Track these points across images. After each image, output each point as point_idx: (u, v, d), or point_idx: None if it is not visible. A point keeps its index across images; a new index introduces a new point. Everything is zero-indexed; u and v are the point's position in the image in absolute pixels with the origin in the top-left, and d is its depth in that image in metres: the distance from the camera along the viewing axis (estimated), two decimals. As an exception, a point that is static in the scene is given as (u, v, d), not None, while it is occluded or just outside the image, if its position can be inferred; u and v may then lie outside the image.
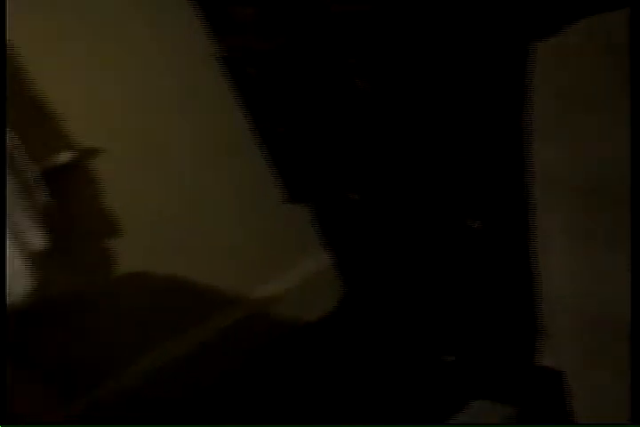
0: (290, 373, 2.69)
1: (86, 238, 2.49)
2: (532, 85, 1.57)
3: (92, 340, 2.53)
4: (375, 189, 2.25)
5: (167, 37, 2.51)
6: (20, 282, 2.21)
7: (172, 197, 2.63)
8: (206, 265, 2.72)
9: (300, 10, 2.06)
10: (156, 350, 2.66)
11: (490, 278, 2.11)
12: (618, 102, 1.47)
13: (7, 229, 2.16)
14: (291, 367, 2.71)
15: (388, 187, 2.20)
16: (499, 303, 2.12)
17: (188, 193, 2.66)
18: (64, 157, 2.37)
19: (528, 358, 1.84)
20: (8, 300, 2.23)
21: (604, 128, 1.49)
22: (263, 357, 2.78)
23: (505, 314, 2.09)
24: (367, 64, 1.97)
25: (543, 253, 1.68)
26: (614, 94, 1.48)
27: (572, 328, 1.66)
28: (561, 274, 1.65)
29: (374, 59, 1.95)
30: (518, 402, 2.03)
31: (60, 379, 2.49)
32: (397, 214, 2.24)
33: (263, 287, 2.84)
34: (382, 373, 2.51)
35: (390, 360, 2.54)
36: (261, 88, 2.36)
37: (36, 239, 2.22)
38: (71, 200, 2.43)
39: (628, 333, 1.51)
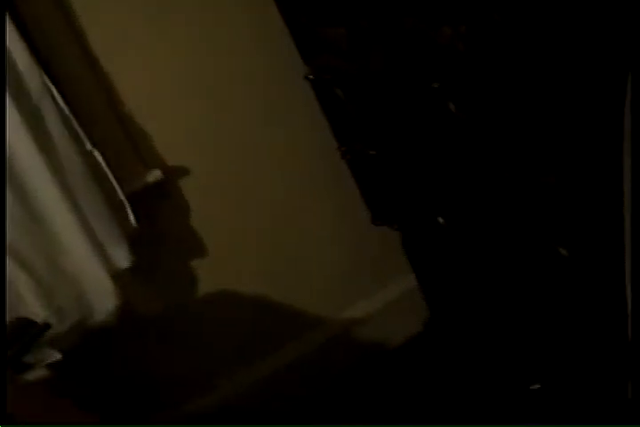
0: (374, 396, 2.66)
1: (172, 258, 2.51)
2: (626, 114, 1.53)
3: (175, 361, 2.54)
4: (463, 214, 2.22)
5: (257, 57, 2.51)
6: (106, 300, 2.24)
7: (261, 216, 2.63)
8: (293, 286, 2.72)
9: (393, 32, 2.04)
10: (241, 372, 2.66)
11: (580, 308, 2.05)
12: None
13: (95, 248, 2.19)
14: (376, 391, 2.68)
15: (475, 211, 2.16)
16: (590, 332, 2.06)
17: (276, 212, 2.66)
18: (153, 175, 2.38)
19: (620, 390, 1.77)
20: (95, 318, 2.26)
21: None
22: (349, 380, 2.76)
23: (597, 343, 2.02)
24: (455, 89, 1.94)
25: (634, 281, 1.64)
26: None
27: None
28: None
29: (463, 84, 1.91)
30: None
31: (141, 397, 2.51)
32: (484, 239, 2.20)
33: (349, 309, 2.82)
34: (466, 399, 2.47)
35: (474, 387, 2.49)
36: (350, 110, 2.34)
37: (121, 257, 2.24)
38: (158, 219, 2.45)
39: None
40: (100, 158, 2.20)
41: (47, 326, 1.89)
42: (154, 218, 2.43)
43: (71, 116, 2.17)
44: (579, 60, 1.67)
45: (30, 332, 1.82)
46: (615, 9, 1.60)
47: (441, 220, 2.27)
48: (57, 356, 2.10)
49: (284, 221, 2.68)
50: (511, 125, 1.89)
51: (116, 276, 2.25)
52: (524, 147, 1.89)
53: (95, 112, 2.30)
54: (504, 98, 1.86)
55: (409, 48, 2.02)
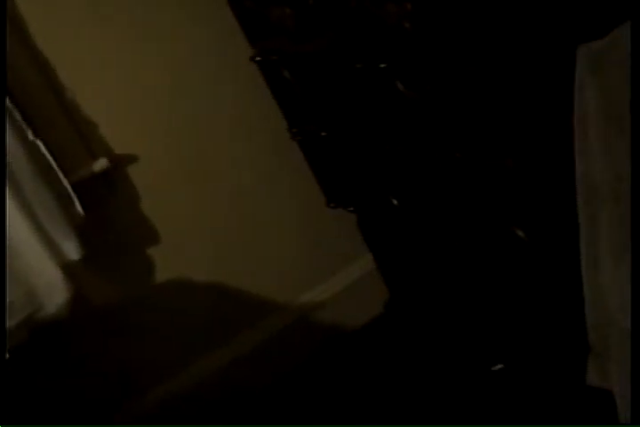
0: (337, 379, 2.64)
1: (125, 247, 2.46)
2: (575, 90, 1.50)
3: (133, 351, 2.50)
4: (416, 195, 2.19)
5: (202, 41, 2.46)
6: (56, 293, 2.19)
7: (212, 203, 2.59)
8: (249, 272, 2.68)
9: (339, 10, 1.99)
10: (201, 359, 2.63)
11: (538, 288, 2.04)
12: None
13: (42, 241, 2.14)
14: (338, 374, 2.67)
15: (429, 192, 2.14)
16: (547, 314, 2.05)
17: (228, 197, 2.62)
18: (100, 164, 2.33)
19: (577, 376, 1.76)
20: (46, 311, 2.21)
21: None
22: (311, 364, 2.74)
23: (553, 326, 2.01)
24: (403, 68, 1.90)
25: (590, 265, 1.62)
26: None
27: (620, 345, 1.61)
28: (610, 287, 1.59)
29: (412, 64, 1.88)
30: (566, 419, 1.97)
31: (102, 390, 2.47)
32: (439, 220, 2.18)
33: (308, 293, 2.79)
34: (428, 380, 2.47)
35: (437, 367, 2.49)
36: (299, 91, 2.30)
37: (71, 250, 2.19)
38: (108, 208, 2.40)
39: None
40: (43, 149, 2.14)
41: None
42: (103, 207, 2.38)
43: (11, 106, 2.10)
44: (527, 38, 1.64)
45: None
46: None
47: (395, 201, 2.24)
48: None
49: (237, 206, 2.64)
50: (463, 105, 1.85)
51: (67, 268, 2.20)
52: (478, 127, 1.86)
53: (38, 101, 2.24)
54: (454, 77, 1.83)
55: (355, 27, 1.98)
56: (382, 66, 1.94)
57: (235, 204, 2.63)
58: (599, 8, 1.57)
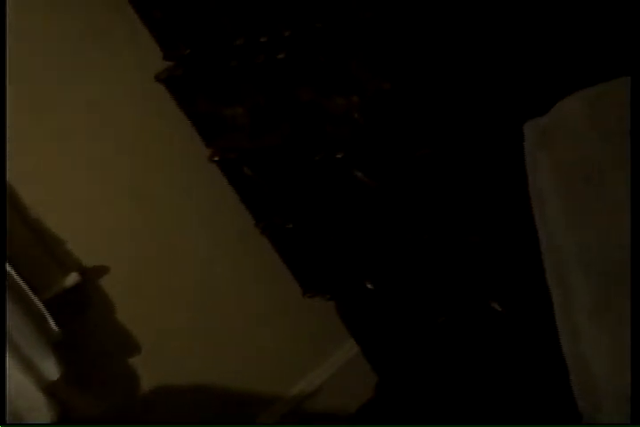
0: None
1: (104, 358, 2.43)
2: (527, 166, 1.53)
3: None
4: (390, 277, 2.19)
5: (160, 143, 2.48)
6: (40, 415, 2.16)
7: (189, 306, 2.57)
8: (235, 370, 2.65)
9: (290, 106, 2.03)
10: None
11: (520, 358, 2.04)
12: (614, 174, 1.44)
13: (20, 364, 2.11)
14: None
15: (402, 273, 2.14)
16: (535, 385, 2.04)
17: (205, 300, 2.60)
18: (71, 279, 2.32)
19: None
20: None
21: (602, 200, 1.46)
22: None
23: (542, 396, 2.00)
24: (360, 157, 1.93)
25: (568, 333, 1.63)
26: (608, 166, 1.44)
27: (612, 412, 1.60)
28: (593, 353, 1.59)
29: (368, 152, 1.91)
30: None
31: None
32: (414, 299, 2.18)
33: (298, 385, 2.77)
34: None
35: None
36: (261, 186, 2.32)
37: (50, 369, 2.16)
38: (84, 322, 2.38)
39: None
40: (12, 272, 2.13)
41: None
42: (79, 320, 2.36)
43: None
44: (475, 118, 1.67)
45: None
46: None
47: (369, 285, 2.24)
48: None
49: (216, 308, 2.62)
50: (422, 188, 1.88)
51: (49, 387, 2.17)
52: (440, 208, 1.88)
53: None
54: (409, 161, 1.86)
55: (309, 120, 2.01)
56: (339, 156, 1.96)
57: (211, 305, 2.61)
58: (540, 85, 1.61)
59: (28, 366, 2.13)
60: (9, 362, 2.10)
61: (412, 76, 1.70)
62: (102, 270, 2.38)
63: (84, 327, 2.37)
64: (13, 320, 2.12)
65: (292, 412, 2.75)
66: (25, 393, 2.13)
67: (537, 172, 1.53)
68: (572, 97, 1.48)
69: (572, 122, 1.49)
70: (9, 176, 2.21)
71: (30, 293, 2.16)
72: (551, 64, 1.76)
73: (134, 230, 2.46)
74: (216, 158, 2.32)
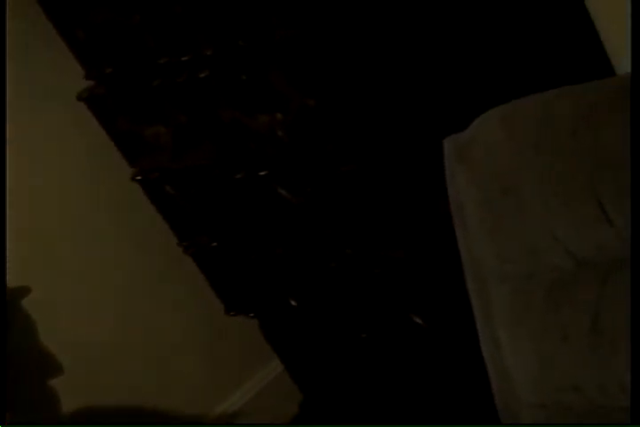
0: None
1: (28, 381, 2.39)
2: (447, 181, 1.57)
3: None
4: (314, 293, 2.21)
5: (83, 162, 2.47)
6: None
7: (111, 328, 2.55)
8: (159, 392, 2.63)
9: (213, 124, 2.05)
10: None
11: (443, 371, 2.07)
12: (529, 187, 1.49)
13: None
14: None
15: (327, 289, 2.17)
16: (458, 395, 2.08)
17: (128, 320, 2.59)
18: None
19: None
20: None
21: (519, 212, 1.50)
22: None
23: (465, 409, 2.04)
24: (283, 174, 1.95)
25: (490, 345, 1.66)
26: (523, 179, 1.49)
27: (533, 420, 1.64)
28: (514, 366, 1.63)
29: (291, 169, 1.93)
30: None
31: None
32: (338, 314, 2.21)
33: (222, 404, 2.76)
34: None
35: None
36: (184, 205, 2.32)
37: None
38: (5, 344, 2.34)
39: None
40: None
41: None
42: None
43: None
44: (396, 135, 1.71)
45: None
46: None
47: (293, 302, 2.26)
48: None
49: (138, 328, 2.60)
50: (346, 204, 1.91)
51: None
52: (365, 223, 1.91)
53: None
54: (333, 178, 1.89)
55: (231, 139, 2.03)
56: (262, 173, 1.98)
57: (134, 327, 2.60)
58: (459, 101, 1.66)
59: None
60: None
61: (335, 93, 1.73)
62: (24, 291, 2.36)
63: (5, 349, 2.34)
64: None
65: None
66: None
67: (456, 185, 1.57)
68: (489, 113, 1.54)
69: (489, 136, 1.54)
70: None
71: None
72: (469, 82, 1.81)
73: (57, 250, 2.45)
74: (138, 178, 2.32)
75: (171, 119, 2.13)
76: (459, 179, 1.57)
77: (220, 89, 1.96)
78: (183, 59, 1.97)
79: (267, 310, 2.44)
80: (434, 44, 1.79)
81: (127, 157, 2.32)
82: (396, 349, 2.13)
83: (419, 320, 1.93)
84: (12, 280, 2.34)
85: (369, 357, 2.25)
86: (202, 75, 1.95)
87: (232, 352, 2.77)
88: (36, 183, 2.41)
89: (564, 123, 1.44)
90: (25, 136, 2.37)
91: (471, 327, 1.65)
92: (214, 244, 2.34)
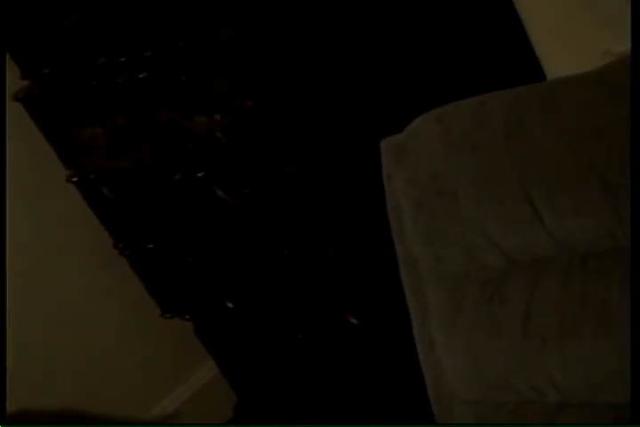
0: None
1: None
2: (384, 181, 1.60)
3: None
4: (251, 295, 2.23)
5: (18, 163, 2.44)
6: None
7: (44, 328, 2.53)
8: (92, 393, 2.61)
9: (149, 126, 2.05)
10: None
11: (379, 369, 2.10)
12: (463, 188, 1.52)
13: None
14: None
15: (263, 290, 2.18)
16: (393, 394, 2.11)
17: (60, 321, 2.56)
18: None
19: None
20: None
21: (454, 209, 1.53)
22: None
23: (400, 404, 2.07)
24: (221, 175, 1.96)
25: (424, 342, 1.69)
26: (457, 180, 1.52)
27: (464, 416, 1.67)
28: (446, 360, 1.66)
29: (229, 170, 1.94)
30: None
31: None
32: (275, 316, 2.22)
33: (156, 407, 2.75)
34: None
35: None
36: (120, 206, 2.32)
37: None
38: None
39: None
40: None
41: None
42: None
43: None
44: (334, 136, 1.73)
45: None
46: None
47: (230, 304, 2.27)
48: None
49: (71, 330, 2.58)
50: (283, 205, 1.93)
51: None
52: (302, 224, 1.93)
53: None
54: (270, 179, 1.90)
55: (168, 140, 2.04)
56: (200, 175, 1.99)
57: (67, 327, 2.58)
58: (397, 103, 1.69)
59: None
60: None
61: (273, 95, 1.75)
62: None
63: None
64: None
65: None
66: None
67: (393, 186, 1.60)
68: (426, 115, 1.57)
69: (425, 138, 1.57)
70: None
71: None
72: (406, 84, 1.85)
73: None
74: (74, 179, 2.31)
75: (108, 120, 2.13)
76: (395, 180, 1.59)
77: (159, 90, 1.96)
78: (122, 59, 1.97)
79: (202, 312, 2.44)
80: (372, 46, 1.82)
81: (62, 159, 2.30)
82: (331, 349, 2.15)
83: (354, 321, 1.95)
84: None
85: (304, 358, 2.26)
86: (140, 75, 1.95)
87: (167, 354, 2.76)
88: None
89: (498, 124, 1.48)
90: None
91: (406, 327, 1.68)
92: (150, 245, 2.33)
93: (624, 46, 1.49)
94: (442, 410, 1.74)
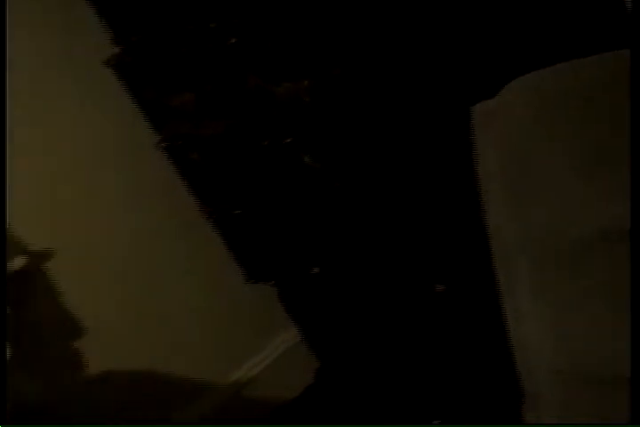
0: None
1: (50, 343, 2.43)
2: (476, 148, 1.58)
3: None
4: (337, 262, 2.23)
5: (110, 131, 2.49)
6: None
7: (133, 290, 2.58)
8: (176, 357, 2.66)
9: (237, 92, 2.06)
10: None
11: (464, 340, 2.09)
12: (552, 159, 1.50)
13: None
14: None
15: (349, 257, 2.18)
16: (477, 364, 2.10)
17: (149, 284, 2.62)
18: (18, 262, 2.32)
19: (513, 417, 1.80)
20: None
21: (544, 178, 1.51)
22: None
23: (485, 374, 2.06)
24: (308, 141, 1.97)
25: (512, 314, 1.68)
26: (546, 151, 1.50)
27: (550, 385, 1.66)
28: (535, 335, 1.65)
29: (316, 136, 1.94)
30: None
31: None
32: (361, 283, 2.23)
33: (237, 371, 2.79)
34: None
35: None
36: (208, 171, 2.34)
37: None
38: (31, 306, 2.38)
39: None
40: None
41: None
42: (26, 303, 2.36)
43: None
44: (425, 103, 1.72)
45: None
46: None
47: (316, 269, 2.28)
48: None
49: (158, 292, 2.63)
50: (373, 171, 1.92)
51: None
52: (391, 190, 1.92)
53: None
54: (357, 145, 1.90)
55: (256, 106, 2.04)
56: (287, 141, 2.00)
57: (154, 290, 2.63)
58: (487, 68, 1.66)
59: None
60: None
61: (361, 61, 1.74)
62: (48, 254, 2.39)
63: (30, 311, 2.37)
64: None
65: (230, 399, 2.77)
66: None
67: (483, 154, 1.58)
68: (518, 80, 1.54)
69: (516, 105, 1.55)
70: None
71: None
72: (501, 48, 1.82)
73: (80, 214, 2.47)
74: (164, 145, 2.34)
75: (197, 87, 2.15)
76: (485, 147, 1.58)
77: (248, 56, 1.97)
78: (211, 26, 1.98)
79: (287, 278, 2.46)
80: (460, 8, 1.79)
81: (153, 124, 2.33)
82: (417, 317, 2.15)
83: (441, 289, 1.94)
84: (36, 243, 2.38)
85: (389, 325, 2.26)
86: (230, 42, 1.96)
87: (249, 320, 2.80)
88: (64, 151, 2.45)
89: (592, 92, 1.45)
90: (52, 102, 2.40)
91: (494, 296, 1.67)
92: (237, 211, 2.35)
93: None
94: (531, 382, 1.73)
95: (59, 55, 2.39)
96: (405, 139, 1.78)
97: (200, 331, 2.73)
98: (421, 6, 1.77)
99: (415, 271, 2.00)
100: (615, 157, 1.43)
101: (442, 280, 1.93)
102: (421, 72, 1.73)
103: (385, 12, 1.75)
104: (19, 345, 2.23)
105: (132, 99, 2.32)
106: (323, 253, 2.23)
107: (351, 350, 2.55)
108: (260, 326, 2.82)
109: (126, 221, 2.57)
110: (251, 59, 1.97)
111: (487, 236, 1.61)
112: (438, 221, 1.84)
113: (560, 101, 1.51)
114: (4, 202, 2.07)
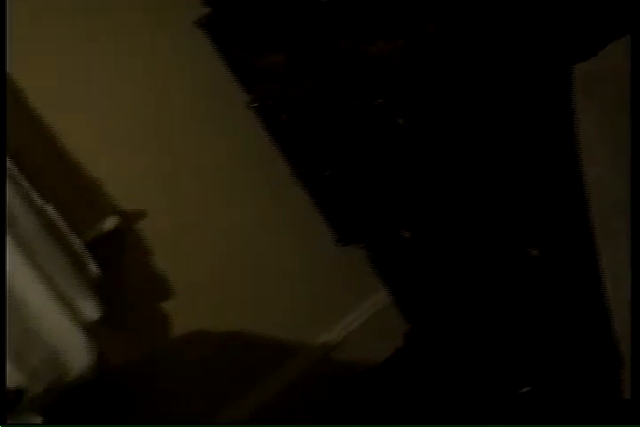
0: (368, 413, 2.63)
1: (141, 302, 2.46)
2: (576, 108, 1.54)
3: (157, 406, 2.49)
4: (428, 226, 2.20)
5: (200, 93, 2.50)
6: (80, 355, 2.18)
7: (223, 252, 2.60)
8: (265, 319, 2.68)
9: (329, 52, 2.03)
10: (225, 410, 2.61)
11: (559, 306, 2.04)
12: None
13: (60, 303, 2.14)
14: (369, 407, 2.65)
15: (441, 221, 2.15)
16: (572, 331, 2.05)
17: (239, 247, 2.63)
18: (110, 222, 2.34)
19: (611, 389, 1.76)
20: (72, 374, 2.20)
21: None
22: (337, 402, 2.72)
23: (581, 342, 2.01)
24: (401, 103, 1.93)
25: (611, 279, 1.64)
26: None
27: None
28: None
29: (409, 97, 1.90)
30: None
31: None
32: (452, 248, 2.19)
33: (327, 334, 2.80)
34: (458, 406, 2.45)
35: (465, 393, 2.48)
36: (298, 133, 2.33)
37: (90, 310, 2.19)
38: (121, 266, 2.41)
39: None
40: (52, 213, 2.16)
41: (19, 392, 1.83)
42: (117, 264, 2.39)
43: (17, 172, 2.12)
44: (524, 63, 1.67)
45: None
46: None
47: (406, 233, 2.25)
48: (37, 420, 2.04)
49: (248, 254, 2.64)
50: (466, 134, 1.88)
51: (88, 328, 2.20)
52: (483, 155, 1.88)
53: (42, 166, 2.25)
54: (452, 108, 1.86)
55: (347, 66, 2.01)
56: (379, 101, 1.96)
57: (244, 252, 2.64)
58: (590, 27, 1.60)
59: (69, 306, 2.15)
60: (50, 302, 2.13)
61: (457, 18, 1.69)
62: (140, 214, 2.41)
63: (121, 271, 2.40)
64: (55, 261, 2.14)
65: (319, 361, 2.78)
66: (65, 333, 2.15)
67: (583, 116, 1.54)
68: (619, 42, 1.49)
69: (616, 68, 1.50)
70: (52, 122, 2.24)
71: (71, 234, 2.19)
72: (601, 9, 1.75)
73: (172, 175, 2.49)
74: (254, 105, 2.32)
75: (287, 47, 2.12)
76: (585, 108, 1.54)
77: (339, 15, 1.93)
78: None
79: (377, 241, 2.44)
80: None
81: (244, 85, 2.32)
82: (509, 282, 2.11)
83: (535, 253, 1.90)
84: (128, 204, 2.40)
85: (480, 289, 2.23)
86: (322, 0, 1.93)
87: (339, 283, 2.79)
88: (160, 107, 2.47)
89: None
90: (145, 63, 2.42)
91: (588, 260, 1.63)
92: (327, 172, 2.33)
93: None
94: (628, 348, 1.69)
95: (150, 16, 2.39)
96: (501, 98, 1.72)
97: (290, 294, 2.74)
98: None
99: (508, 236, 1.96)
100: None
101: (536, 244, 1.88)
102: (519, 30, 1.67)
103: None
104: (109, 304, 2.27)
105: (223, 59, 2.31)
106: (414, 217, 2.20)
107: (441, 314, 2.53)
108: (350, 288, 2.82)
109: (219, 185, 2.59)
110: (343, 17, 1.93)
111: (584, 197, 1.57)
112: (533, 182, 1.79)
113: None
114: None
